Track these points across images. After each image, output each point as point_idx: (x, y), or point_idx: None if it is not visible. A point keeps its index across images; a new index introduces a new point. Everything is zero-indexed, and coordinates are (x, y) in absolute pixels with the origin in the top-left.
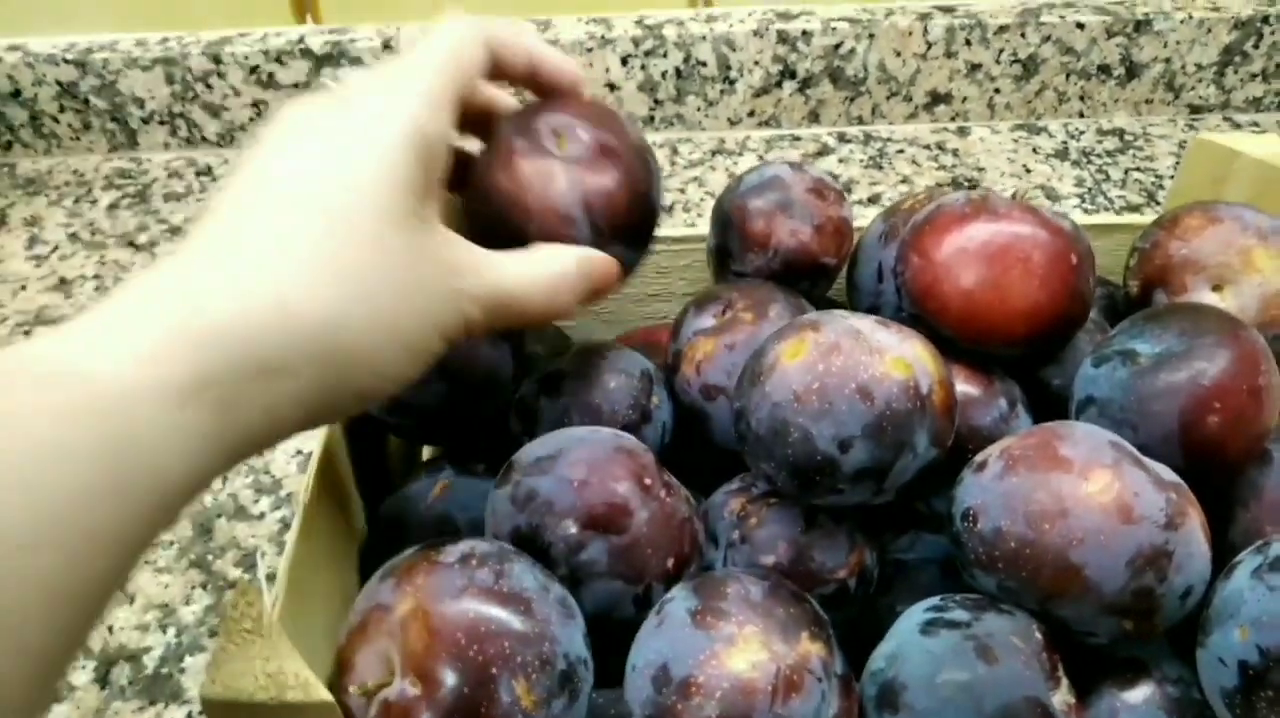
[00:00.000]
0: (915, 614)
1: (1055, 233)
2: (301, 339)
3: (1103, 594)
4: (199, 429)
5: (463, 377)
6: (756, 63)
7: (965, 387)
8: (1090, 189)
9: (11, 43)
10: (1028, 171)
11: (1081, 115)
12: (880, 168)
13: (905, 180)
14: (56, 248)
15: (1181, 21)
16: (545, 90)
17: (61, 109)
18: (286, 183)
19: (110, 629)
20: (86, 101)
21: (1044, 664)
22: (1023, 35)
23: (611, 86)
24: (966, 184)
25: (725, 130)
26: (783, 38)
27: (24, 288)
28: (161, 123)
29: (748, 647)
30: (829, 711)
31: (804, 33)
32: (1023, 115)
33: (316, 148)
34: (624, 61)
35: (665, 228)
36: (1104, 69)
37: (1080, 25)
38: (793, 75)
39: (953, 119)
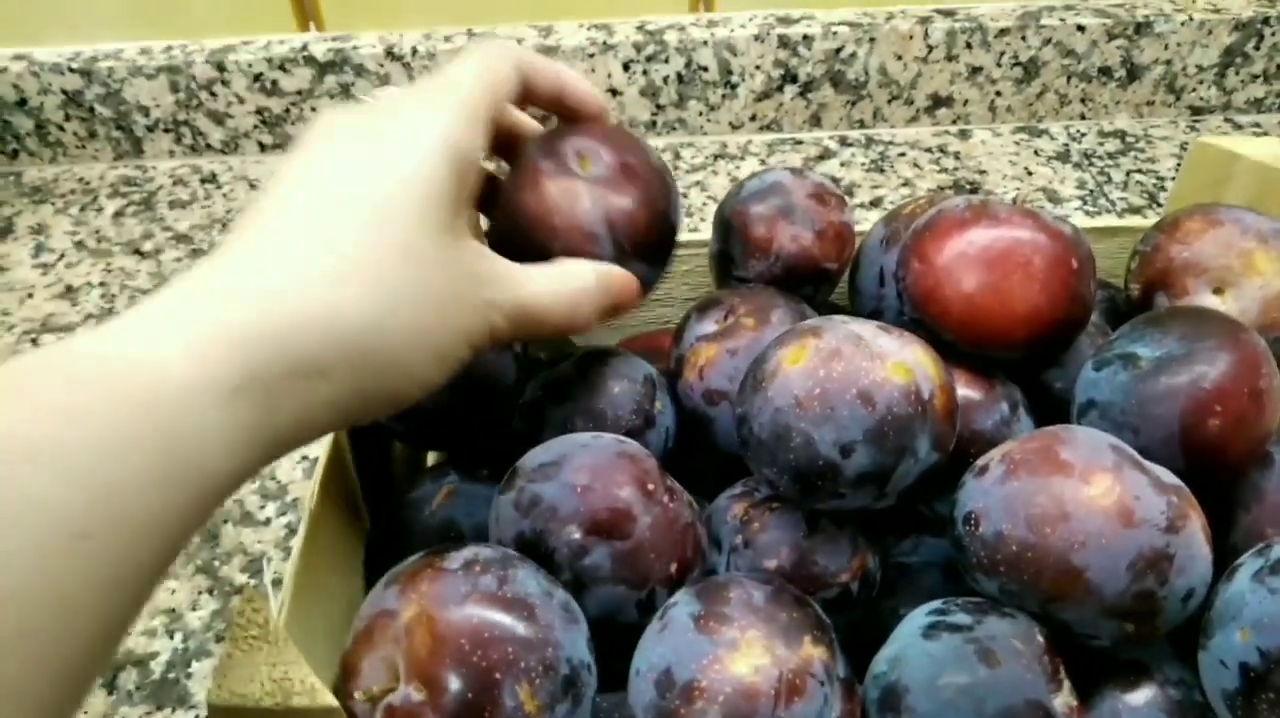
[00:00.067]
0: (917, 618)
1: (1055, 237)
2: (340, 343)
3: (1104, 597)
4: (241, 425)
5: (467, 382)
6: (758, 67)
7: (967, 390)
8: (1092, 191)
9: (17, 52)
10: (1029, 174)
11: (1083, 118)
12: (882, 171)
13: (907, 184)
14: (62, 255)
15: (1182, 23)
16: (570, 116)
17: (67, 117)
18: (330, 190)
19: None
20: (92, 110)
21: (1046, 667)
22: (1023, 38)
23: (613, 92)
24: (968, 187)
25: (727, 135)
26: (784, 42)
27: (30, 295)
28: (166, 130)
29: (750, 651)
30: (831, 714)
31: (805, 37)
32: (1024, 118)
33: (359, 157)
34: (626, 67)
35: None
36: (1105, 71)
37: (1081, 28)
38: (794, 79)
39: (954, 122)
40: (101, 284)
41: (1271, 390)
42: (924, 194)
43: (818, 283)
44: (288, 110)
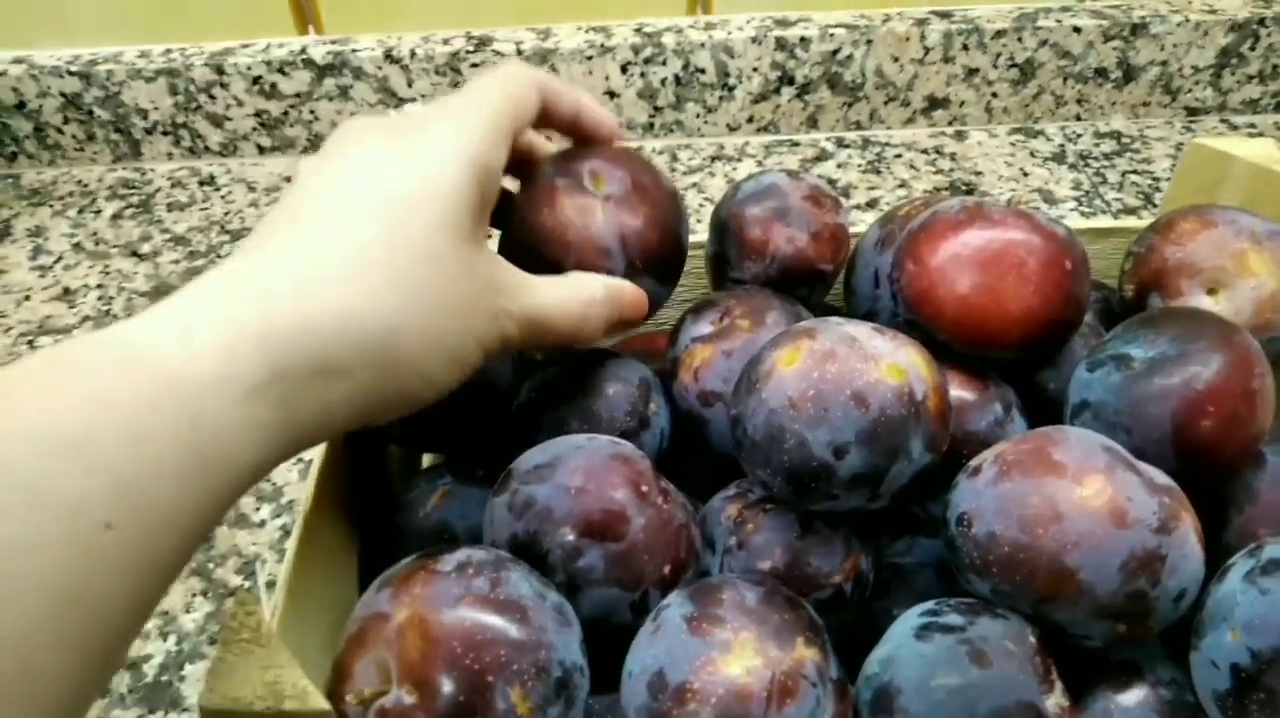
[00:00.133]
0: (910, 619)
1: (1049, 238)
2: (361, 344)
3: (1096, 598)
4: (263, 421)
5: (462, 384)
6: (755, 69)
7: (960, 391)
8: (1088, 192)
9: (16, 55)
10: (1025, 175)
11: (1079, 118)
12: (878, 172)
13: (903, 185)
14: (60, 258)
15: (1178, 24)
16: (584, 138)
17: (66, 120)
18: (355, 194)
19: None
20: (90, 113)
21: (1038, 668)
22: (1019, 40)
23: (611, 94)
24: (964, 188)
25: (724, 136)
26: (781, 44)
27: (28, 297)
28: (165, 133)
29: (743, 653)
30: (824, 715)
31: (802, 39)
32: (1020, 119)
33: (384, 164)
34: (623, 69)
35: None
36: (1101, 72)
37: (1077, 29)
38: (791, 81)
39: (950, 123)
40: (99, 286)
41: (1264, 391)
42: (920, 195)
43: (813, 284)
44: (286, 113)
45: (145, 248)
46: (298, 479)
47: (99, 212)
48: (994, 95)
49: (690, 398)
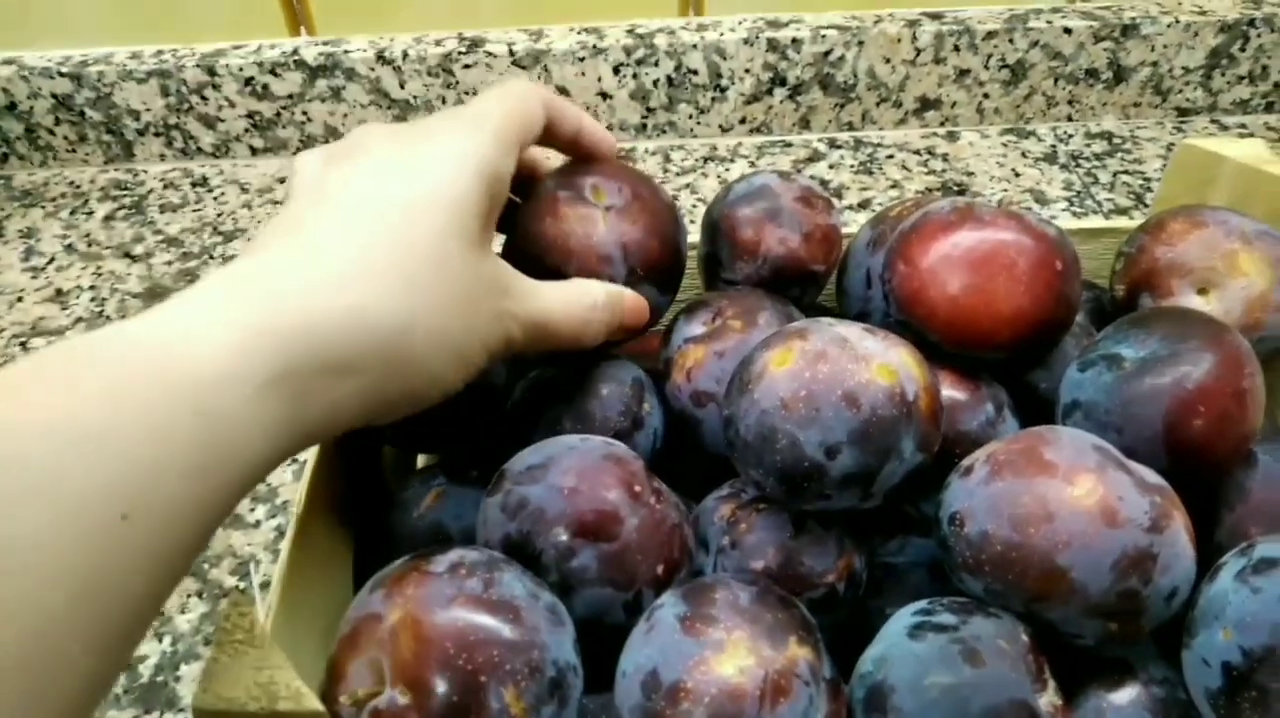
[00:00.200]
0: (903, 618)
1: (1040, 239)
2: (370, 342)
3: (1088, 597)
4: (275, 416)
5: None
6: (747, 70)
7: (952, 391)
8: (1079, 192)
9: (7, 56)
10: (1017, 175)
11: (1070, 119)
12: (870, 173)
13: (895, 185)
14: (53, 259)
15: (1168, 25)
16: (584, 155)
17: (57, 121)
18: (366, 197)
19: None
20: (82, 114)
21: (1030, 667)
22: (1011, 41)
23: (604, 95)
24: (956, 189)
25: (717, 137)
26: (773, 45)
27: (20, 299)
28: (157, 134)
29: (736, 652)
30: (816, 714)
31: (794, 40)
32: (1011, 120)
33: (394, 168)
34: (616, 70)
35: None
36: (1091, 73)
37: (1068, 30)
38: (783, 82)
39: (942, 124)
40: (92, 288)
41: (1254, 390)
42: (911, 196)
43: (805, 285)
44: (279, 114)
45: (138, 249)
46: (292, 480)
47: (91, 213)
48: (985, 96)
49: (683, 398)
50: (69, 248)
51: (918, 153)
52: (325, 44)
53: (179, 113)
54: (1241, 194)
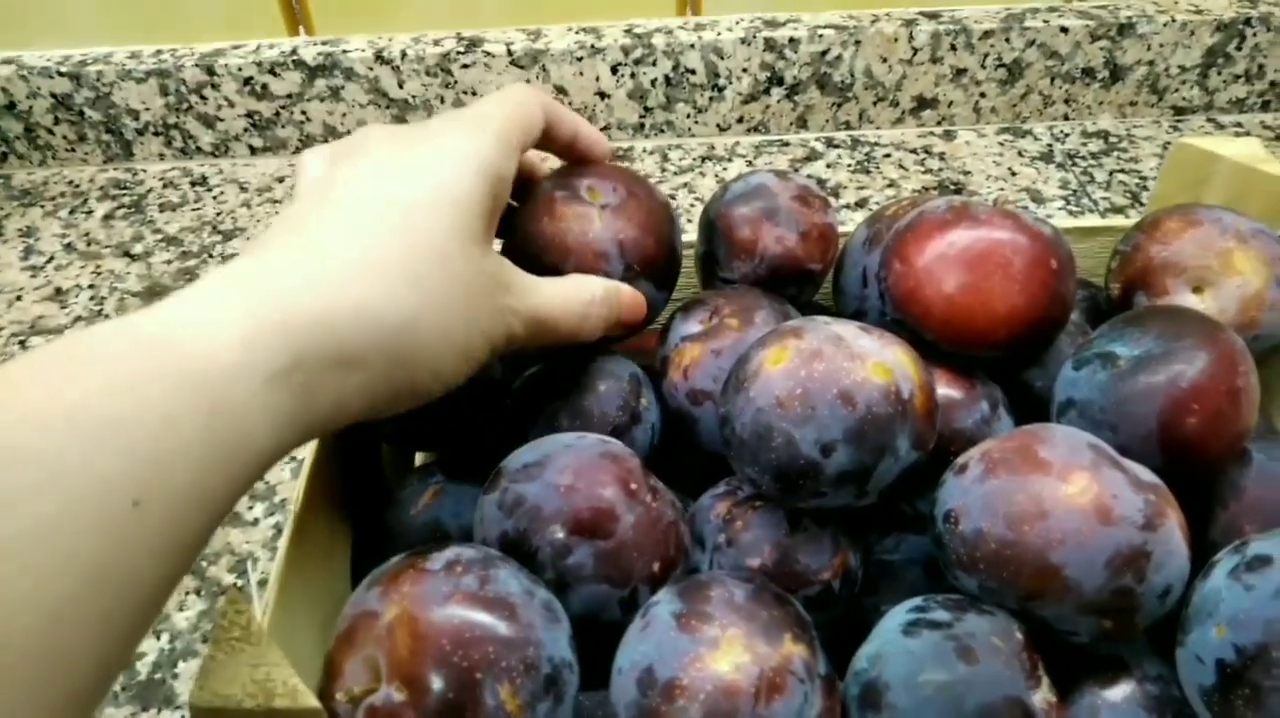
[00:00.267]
0: (898, 615)
1: (1035, 238)
2: (376, 336)
3: (1082, 594)
4: (282, 409)
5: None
6: (745, 70)
7: (947, 389)
8: (1075, 191)
9: (6, 56)
10: (1013, 174)
11: (1066, 118)
12: (868, 172)
13: (892, 184)
14: (52, 258)
15: (1165, 24)
16: (580, 159)
17: (56, 121)
18: (371, 194)
19: None
20: (81, 113)
21: (1024, 664)
22: (1007, 40)
23: (602, 95)
24: (952, 188)
25: (715, 137)
26: (770, 45)
27: (19, 298)
28: (156, 134)
29: (731, 649)
30: (811, 711)
31: (791, 40)
32: (1008, 119)
33: (399, 167)
34: (614, 70)
35: None
36: (1088, 72)
37: (1064, 29)
38: (780, 82)
39: (939, 123)
40: (91, 287)
41: (1248, 389)
42: (908, 195)
43: (801, 284)
44: (278, 114)
45: (137, 248)
46: (290, 478)
47: (90, 212)
48: (982, 95)
49: (679, 396)
50: (68, 247)
51: (914, 152)
52: (324, 44)
53: (178, 112)
54: (1237, 193)
